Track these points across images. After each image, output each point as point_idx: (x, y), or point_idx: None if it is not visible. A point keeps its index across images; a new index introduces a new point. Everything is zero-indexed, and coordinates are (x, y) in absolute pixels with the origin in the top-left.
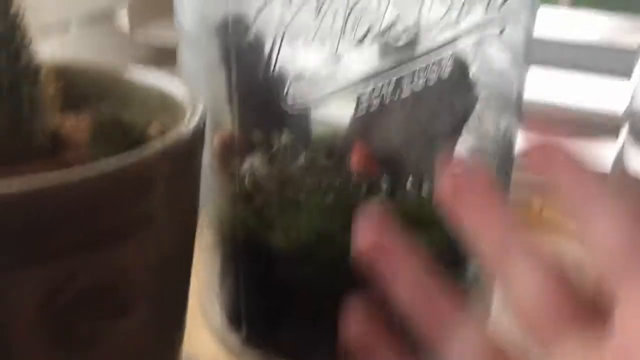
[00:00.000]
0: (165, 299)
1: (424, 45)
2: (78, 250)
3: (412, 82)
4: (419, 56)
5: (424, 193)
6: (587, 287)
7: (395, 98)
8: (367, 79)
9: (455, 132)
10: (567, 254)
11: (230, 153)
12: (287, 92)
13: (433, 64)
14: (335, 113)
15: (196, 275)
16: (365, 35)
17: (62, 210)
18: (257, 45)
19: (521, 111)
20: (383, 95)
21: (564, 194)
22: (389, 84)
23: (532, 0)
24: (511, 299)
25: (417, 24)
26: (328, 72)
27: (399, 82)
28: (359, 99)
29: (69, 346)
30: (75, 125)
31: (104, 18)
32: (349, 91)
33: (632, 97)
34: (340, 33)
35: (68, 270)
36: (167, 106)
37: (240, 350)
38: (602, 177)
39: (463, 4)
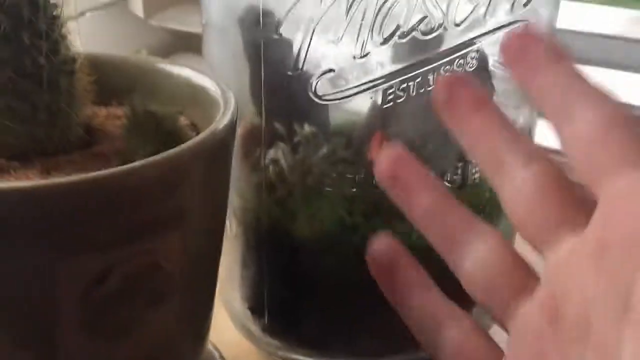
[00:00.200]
0: (196, 288)
1: (450, 41)
2: (118, 242)
3: (438, 75)
4: (446, 52)
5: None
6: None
7: (422, 91)
8: (394, 73)
9: None
10: None
11: (254, 143)
12: (315, 86)
13: (459, 57)
14: (353, 104)
15: None
16: (393, 32)
17: (103, 203)
18: (286, 39)
19: None
20: (410, 88)
21: (542, 89)
22: (415, 77)
23: None
24: (505, 201)
25: (444, 21)
26: (356, 67)
27: (425, 75)
28: (385, 91)
29: (107, 335)
30: (109, 117)
31: (119, 2)
32: (376, 85)
33: None
34: (369, 29)
35: (108, 261)
36: (197, 98)
37: (261, 339)
38: (579, 71)
39: (489, 1)
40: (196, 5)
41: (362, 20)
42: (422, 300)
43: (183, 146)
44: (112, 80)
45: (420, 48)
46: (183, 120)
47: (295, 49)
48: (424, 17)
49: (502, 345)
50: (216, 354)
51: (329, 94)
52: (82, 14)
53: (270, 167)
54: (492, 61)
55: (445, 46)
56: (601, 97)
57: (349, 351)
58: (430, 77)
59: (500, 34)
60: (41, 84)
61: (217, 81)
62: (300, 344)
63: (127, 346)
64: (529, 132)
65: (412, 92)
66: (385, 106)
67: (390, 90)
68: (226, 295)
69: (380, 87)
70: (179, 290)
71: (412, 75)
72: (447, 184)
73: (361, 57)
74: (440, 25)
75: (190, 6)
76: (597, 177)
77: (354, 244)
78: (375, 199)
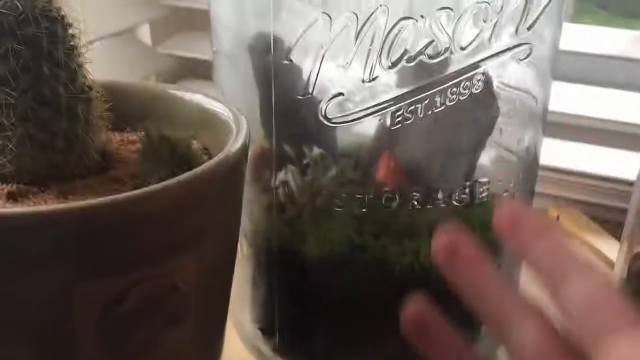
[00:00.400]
0: (210, 309)
1: (456, 64)
2: (135, 264)
3: (445, 98)
4: (452, 75)
5: (453, 204)
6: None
7: (429, 113)
8: (402, 96)
9: (478, 145)
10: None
11: (264, 166)
12: (325, 110)
13: (465, 80)
14: (361, 127)
15: None
16: (401, 56)
17: (119, 226)
18: (296, 64)
19: (545, 125)
20: (418, 110)
21: (537, 258)
22: (422, 100)
23: (559, 18)
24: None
25: (450, 45)
26: (364, 90)
27: (432, 97)
28: (393, 114)
29: (124, 356)
30: (123, 142)
31: (127, 31)
32: (384, 108)
33: None
34: (378, 54)
35: (127, 283)
36: (210, 124)
37: (272, 359)
38: (569, 242)
39: (494, 25)
40: (202, 32)
41: (371, 45)
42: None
43: (197, 170)
44: (125, 106)
45: (427, 71)
46: (196, 144)
47: (305, 74)
48: (431, 42)
49: None
50: None
51: (338, 117)
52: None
53: (280, 189)
54: (497, 83)
55: (451, 69)
56: (590, 267)
57: None
58: (438, 99)
59: (505, 57)
60: (60, 112)
61: (228, 106)
62: None
63: None
64: (535, 149)
65: (420, 113)
66: (393, 128)
67: (399, 113)
68: (237, 316)
69: (389, 109)
70: (194, 310)
71: (419, 98)
72: (455, 203)
73: (370, 81)
74: (446, 49)
75: (197, 33)
76: (595, 340)
77: (364, 263)
78: (384, 218)
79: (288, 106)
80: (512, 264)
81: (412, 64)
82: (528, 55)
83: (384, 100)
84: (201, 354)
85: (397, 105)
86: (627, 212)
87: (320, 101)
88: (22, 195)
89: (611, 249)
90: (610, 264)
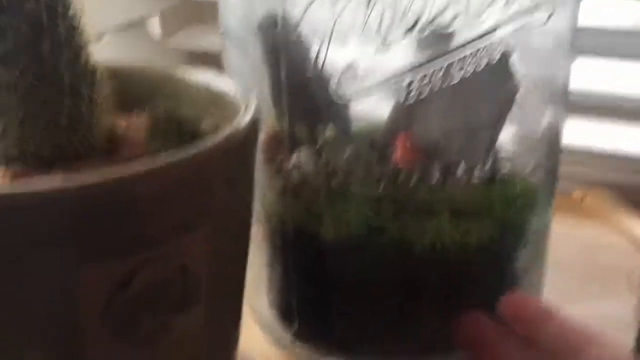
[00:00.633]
0: (224, 293)
1: (472, 32)
2: (144, 244)
3: (461, 68)
4: (468, 43)
5: (473, 181)
6: None
7: (445, 85)
8: (416, 67)
9: (497, 121)
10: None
11: (277, 148)
12: (336, 85)
13: (482, 49)
14: (373, 104)
15: None
16: (414, 24)
17: (125, 204)
18: (304, 40)
19: (567, 101)
20: (432, 82)
21: (547, 340)
22: (438, 71)
23: None
24: None
25: (466, 10)
26: (377, 63)
27: (448, 69)
28: (408, 86)
29: (132, 341)
30: (130, 124)
31: (136, 25)
32: (398, 80)
33: None
34: (390, 23)
35: (134, 264)
36: (218, 103)
37: (291, 345)
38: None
39: None
40: (211, 26)
41: (382, 14)
42: None
43: (204, 144)
44: (132, 88)
45: (441, 41)
46: (206, 124)
47: (314, 50)
48: (444, 9)
49: None
50: None
51: (350, 92)
52: (100, 35)
53: (294, 171)
54: (516, 54)
55: (467, 37)
56: (603, 337)
57: (381, 353)
58: (453, 71)
59: (524, 21)
60: (62, 91)
61: (236, 84)
62: (329, 348)
63: (155, 353)
64: (557, 126)
65: (435, 87)
66: (409, 103)
67: (413, 86)
68: (253, 303)
69: (403, 81)
70: (205, 294)
71: (434, 69)
72: (475, 180)
73: (382, 51)
74: (461, 15)
75: (206, 26)
76: None
77: (383, 245)
78: (402, 197)
79: (298, 84)
80: (538, 240)
81: (425, 33)
82: (548, 18)
83: (396, 71)
84: (216, 341)
85: (412, 77)
86: None
87: (331, 76)
88: (25, 175)
89: None
90: None
